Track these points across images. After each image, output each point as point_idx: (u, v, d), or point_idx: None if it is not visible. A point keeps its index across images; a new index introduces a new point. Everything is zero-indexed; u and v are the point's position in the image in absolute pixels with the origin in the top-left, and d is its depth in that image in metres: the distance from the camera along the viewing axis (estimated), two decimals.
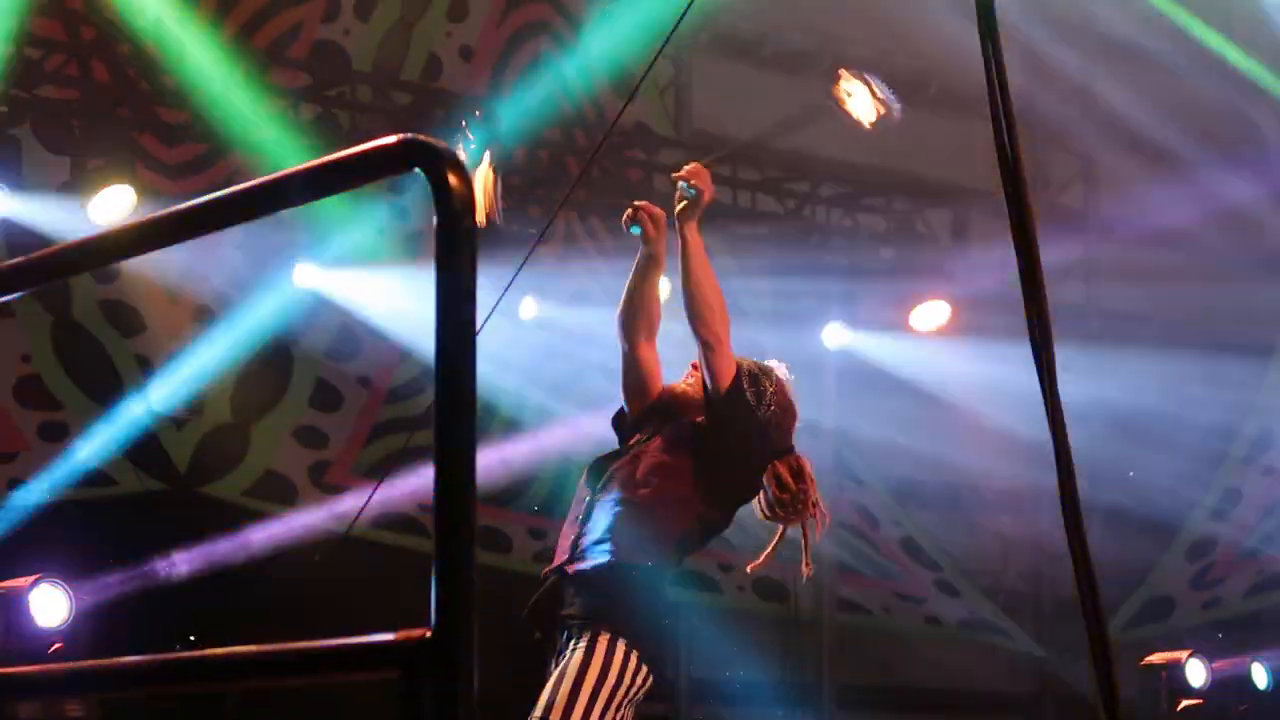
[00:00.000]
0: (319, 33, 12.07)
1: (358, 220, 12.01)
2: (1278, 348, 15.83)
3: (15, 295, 4.08)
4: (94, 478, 11.18)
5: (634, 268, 6.96)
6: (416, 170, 2.75)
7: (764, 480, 7.06)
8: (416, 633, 2.64)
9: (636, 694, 6.53)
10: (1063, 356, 3.90)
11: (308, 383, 11.85)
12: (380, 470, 12.04)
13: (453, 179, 2.70)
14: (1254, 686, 12.27)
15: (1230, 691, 12.08)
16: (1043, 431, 3.85)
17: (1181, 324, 15.00)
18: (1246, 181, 15.04)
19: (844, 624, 13.76)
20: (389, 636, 2.62)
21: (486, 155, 6.60)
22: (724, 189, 13.20)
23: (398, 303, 11.70)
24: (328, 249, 11.82)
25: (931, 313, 13.34)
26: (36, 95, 10.73)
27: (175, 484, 11.25)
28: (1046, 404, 3.87)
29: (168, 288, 11.47)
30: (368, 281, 11.92)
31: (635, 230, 6.78)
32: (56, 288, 10.83)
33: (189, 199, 3.15)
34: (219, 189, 3.03)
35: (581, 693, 6.39)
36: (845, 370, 13.64)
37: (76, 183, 10.62)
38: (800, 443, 13.93)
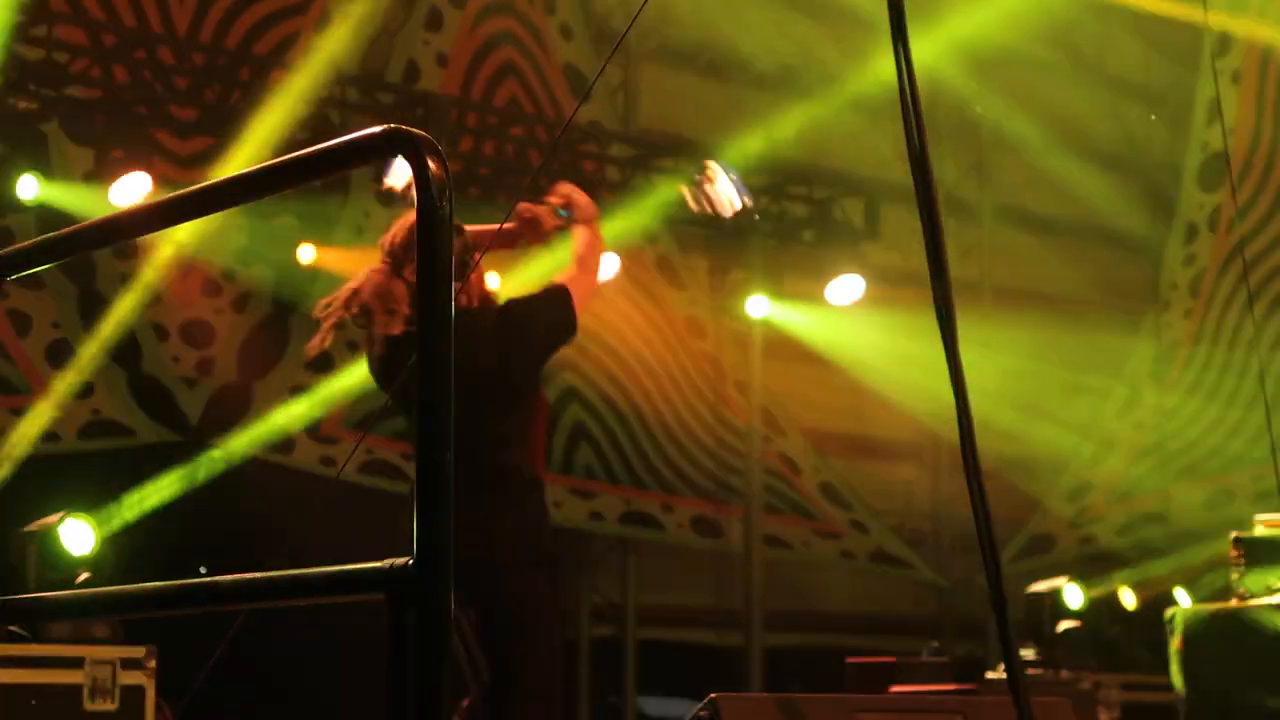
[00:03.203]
0: (311, 42, 12.05)
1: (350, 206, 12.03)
2: (1144, 320, 15.92)
3: (45, 267, 4.06)
4: (115, 429, 11.15)
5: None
6: (400, 157, 2.75)
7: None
8: (400, 561, 2.64)
9: None
10: (961, 326, 3.90)
11: (304, 344, 11.82)
12: (367, 424, 12.04)
13: (431, 164, 2.69)
14: (1123, 609, 12.36)
15: (1103, 613, 12.16)
16: (944, 391, 3.85)
17: (1062, 298, 15.07)
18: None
19: (770, 557, 13.77)
20: (377, 565, 2.62)
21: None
22: (666, 180, 13.20)
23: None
24: (325, 230, 11.83)
25: (846, 287, 13.35)
26: (64, 95, 10.68)
27: (187, 435, 11.21)
28: (950, 367, 3.87)
29: (181, 262, 11.43)
30: (358, 257, 11.90)
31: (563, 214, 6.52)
32: (82, 261, 10.79)
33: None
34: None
35: None
36: (770, 337, 13.66)
37: (99, 171, 10.56)
38: (731, 398, 14.01)
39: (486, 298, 6.49)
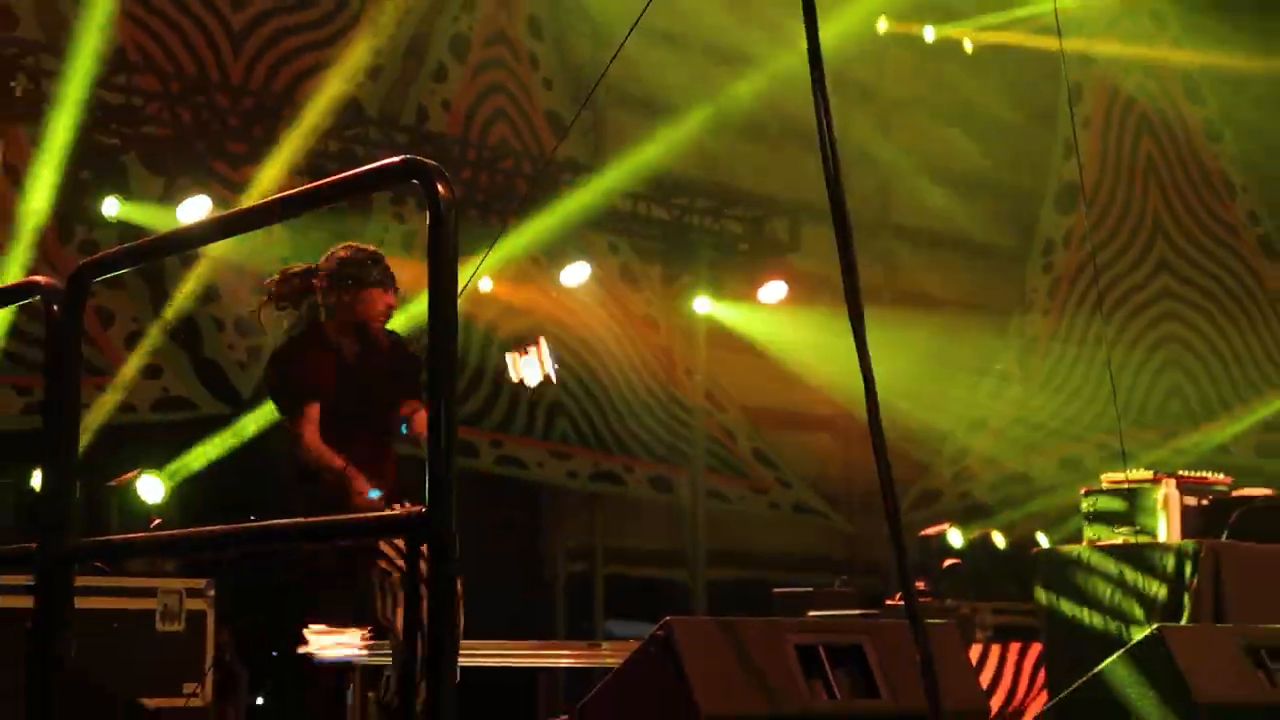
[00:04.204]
0: (341, 90, 12.01)
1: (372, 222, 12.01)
2: (1011, 319, 15.97)
3: (124, 271, 4.05)
4: (180, 403, 11.11)
5: None
6: (415, 181, 2.73)
7: None
8: (416, 508, 2.63)
9: None
10: (867, 323, 3.90)
11: None
12: None
13: (441, 187, 2.67)
14: (994, 549, 12.42)
15: (978, 553, 12.22)
16: (854, 375, 3.85)
17: (946, 301, 15.09)
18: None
19: (711, 508, 13.75)
20: (399, 511, 2.62)
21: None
22: (628, 202, 13.20)
23: (400, 280, 11.63)
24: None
25: (774, 290, 13.36)
26: (140, 132, 10.62)
27: (239, 408, 11.17)
28: (859, 356, 3.87)
29: (235, 267, 11.40)
30: None
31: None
32: (154, 267, 10.74)
33: None
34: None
35: None
36: (712, 330, 13.65)
37: (168, 194, 10.50)
38: (680, 380, 13.95)
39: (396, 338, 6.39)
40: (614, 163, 13.28)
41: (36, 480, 4.92)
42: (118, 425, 10.49)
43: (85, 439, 9.72)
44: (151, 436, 10.53)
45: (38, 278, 3.93)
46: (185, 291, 11.02)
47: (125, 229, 10.28)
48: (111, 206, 10.31)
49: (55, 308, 3.76)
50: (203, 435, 10.74)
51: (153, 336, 10.97)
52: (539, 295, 12.69)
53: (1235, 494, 7.94)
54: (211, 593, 8.44)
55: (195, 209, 10.32)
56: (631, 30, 5.42)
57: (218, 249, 10.60)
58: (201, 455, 10.57)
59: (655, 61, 12.14)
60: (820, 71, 3.96)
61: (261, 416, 11.08)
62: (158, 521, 8.98)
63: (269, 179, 10.80)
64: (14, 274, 9.71)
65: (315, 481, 5.90)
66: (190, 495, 9.75)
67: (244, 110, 11.27)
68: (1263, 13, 15.17)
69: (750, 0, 12.87)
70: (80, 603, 4.28)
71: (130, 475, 9.22)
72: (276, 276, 6.32)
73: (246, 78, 11.68)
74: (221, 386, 11.31)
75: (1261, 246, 16.18)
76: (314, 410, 6.00)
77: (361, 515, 2.78)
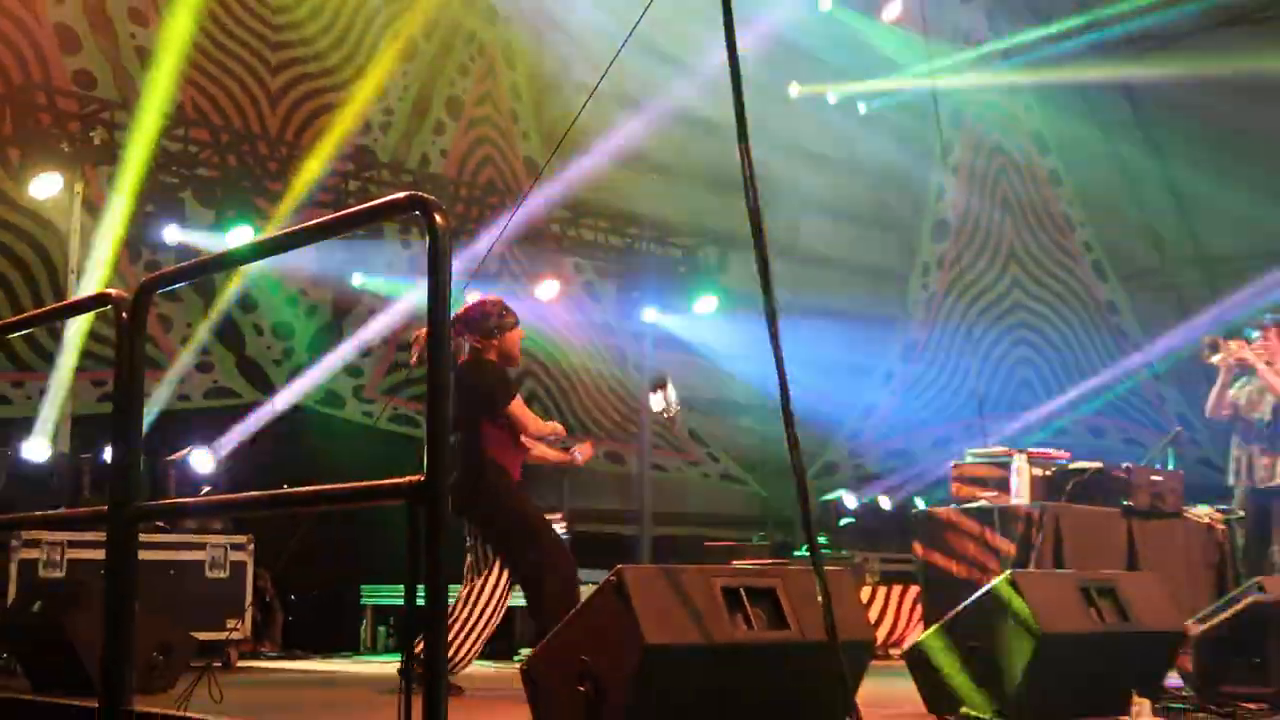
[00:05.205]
0: (359, 141, 11.98)
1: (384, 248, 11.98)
2: (896, 325, 16.03)
3: (181, 285, 4.03)
4: (226, 392, 11.04)
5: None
6: (417, 213, 2.72)
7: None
8: (416, 478, 2.61)
9: None
10: (781, 329, 3.90)
11: (352, 338, 11.74)
12: (394, 389, 11.95)
13: (439, 219, 2.66)
14: (882, 510, 12.46)
15: (869, 513, 12.26)
16: (771, 370, 3.86)
17: (845, 312, 15.13)
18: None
19: (655, 477, 13.75)
20: (401, 480, 2.60)
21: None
22: (588, 232, 13.18)
23: (405, 294, 11.63)
24: (366, 263, 11.79)
25: (706, 304, 13.37)
26: (195, 174, 10.55)
27: (274, 396, 11.12)
28: (774, 355, 3.87)
29: (272, 282, 11.35)
30: (388, 284, 11.86)
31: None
32: (206, 282, 10.69)
33: None
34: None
35: None
36: (657, 335, 13.66)
37: (218, 224, 10.44)
38: (631, 375, 13.87)
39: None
40: (580, 200, 13.29)
41: (108, 455, 4.90)
42: (175, 410, 10.42)
43: (148, 421, 9.66)
44: (203, 420, 10.48)
45: (110, 290, 3.89)
46: (232, 304, 10.99)
47: (182, 251, 10.22)
48: (171, 234, 10.25)
49: (124, 315, 3.73)
50: (245, 419, 10.69)
51: (203, 338, 10.91)
52: (518, 306, 12.64)
53: (1072, 466, 8.00)
54: (252, 546, 8.40)
55: (240, 236, 10.28)
56: (591, 95, 5.41)
57: (257, 267, 10.56)
58: (244, 434, 10.52)
59: (618, 120, 12.13)
60: (744, 128, 3.97)
61: (295, 403, 11.04)
62: (207, 489, 8.92)
63: (299, 211, 10.77)
64: (93, 288, 9.64)
65: (505, 472, 6.03)
66: (235, 467, 9.69)
67: (280, 156, 11.21)
68: (1090, 86, 15.34)
69: (700, 76, 12.85)
70: (143, 555, 4.26)
71: (185, 450, 9.17)
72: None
73: (282, 130, 11.63)
74: (260, 380, 11.25)
75: (1094, 269, 16.32)
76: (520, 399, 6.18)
77: (366, 485, 2.75)
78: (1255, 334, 8.33)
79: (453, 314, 6.41)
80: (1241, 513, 8.20)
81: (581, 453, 6.48)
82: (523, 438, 6.13)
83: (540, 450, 6.33)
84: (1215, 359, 8.26)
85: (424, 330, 6.42)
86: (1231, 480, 8.30)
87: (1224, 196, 14.70)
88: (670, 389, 6.44)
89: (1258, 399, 8.21)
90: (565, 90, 13.01)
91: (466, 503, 5.98)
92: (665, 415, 6.54)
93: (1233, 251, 14.82)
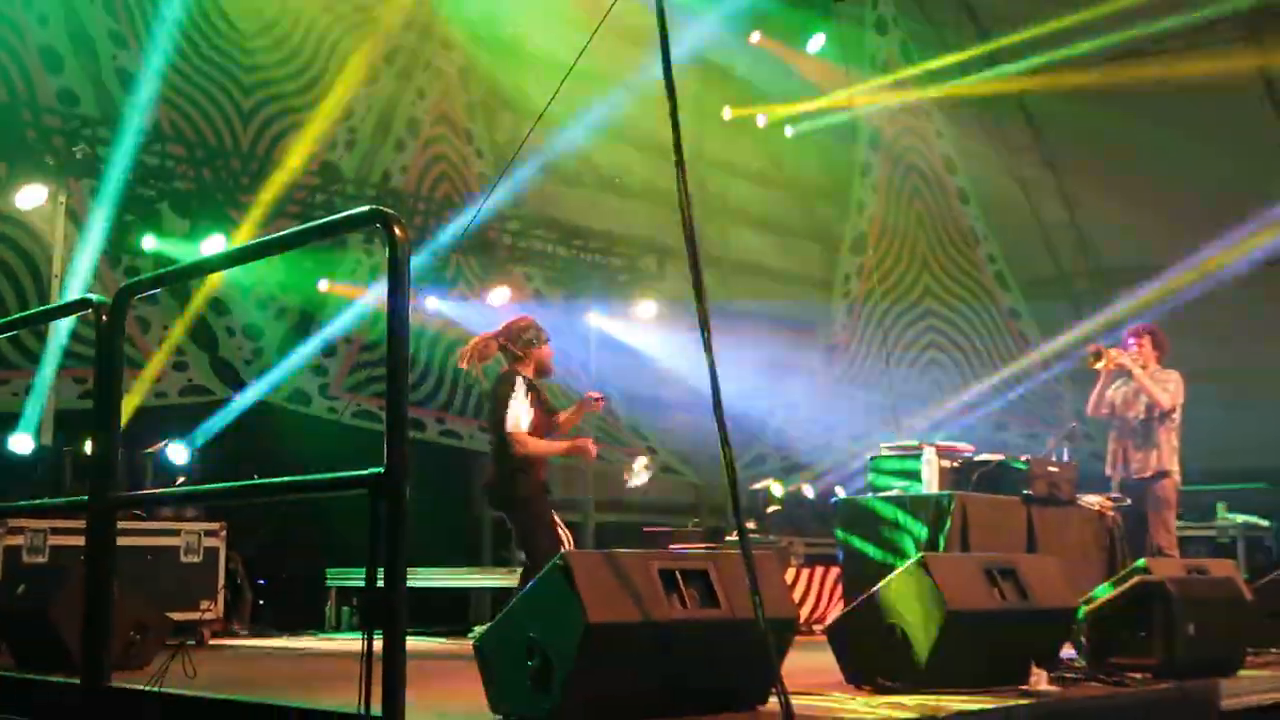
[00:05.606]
0: (325, 157, 11.90)
1: (348, 256, 11.89)
2: (819, 330, 16.08)
3: (158, 290, 3.97)
4: (201, 390, 10.91)
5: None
6: (378, 225, 2.71)
7: None
8: (376, 470, 2.60)
9: None
10: (713, 332, 3.91)
11: (318, 339, 11.64)
12: (357, 387, 11.86)
13: (398, 231, 2.65)
14: (805, 498, 12.49)
15: (794, 501, 12.29)
16: (703, 371, 3.87)
17: (772, 316, 15.18)
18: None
19: (599, 468, 13.71)
20: (363, 472, 2.58)
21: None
22: (538, 243, 13.15)
23: (367, 299, 11.57)
24: (332, 270, 11.70)
25: (645, 309, 13.37)
26: (171, 186, 10.43)
27: (244, 393, 11.00)
28: (706, 356, 3.88)
29: (246, 287, 11.24)
30: (352, 290, 11.78)
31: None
32: (182, 287, 10.57)
33: None
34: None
35: None
36: (600, 337, 13.65)
37: (193, 233, 10.32)
38: (577, 373, 13.87)
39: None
40: (530, 214, 13.26)
41: (89, 448, 4.85)
42: (152, 406, 10.28)
43: (126, 417, 9.53)
44: (178, 415, 10.36)
45: (91, 295, 3.84)
46: (207, 307, 10.87)
47: (159, 259, 10.10)
48: (149, 242, 10.13)
49: (104, 318, 3.69)
50: (217, 414, 10.57)
51: (179, 339, 10.79)
52: (472, 311, 12.62)
53: (976, 458, 8.07)
54: (224, 532, 8.32)
55: (213, 245, 10.17)
56: (541, 114, 5.40)
57: (230, 274, 10.45)
58: (216, 429, 10.41)
59: (564, 139, 12.11)
60: (680, 155, 3.97)
61: (265, 400, 10.92)
62: (181, 479, 8.83)
63: (269, 222, 10.67)
64: (75, 293, 9.52)
65: (533, 473, 6.38)
66: (208, 458, 9.59)
67: (251, 171, 11.11)
68: (996, 113, 15.50)
69: (644, 99, 12.85)
70: (121, 541, 4.21)
71: (161, 444, 9.06)
72: (477, 342, 6.58)
73: (254, 146, 11.52)
74: (232, 378, 11.14)
75: (996, 279, 16.49)
76: None
77: (331, 475, 2.73)
78: (1131, 341, 8.54)
79: (498, 328, 6.69)
80: (1130, 501, 8.33)
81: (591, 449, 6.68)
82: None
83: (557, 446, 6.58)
84: (1099, 365, 8.49)
85: (473, 341, 6.58)
86: (1109, 471, 8.49)
87: (1115, 211, 14.91)
88: (637, 465, 7.13)
89: (1133, 399, 8.45)
90: (516, 111, 12.98)
91: (501, 501, 6.42)
92: (629, 481, 7.06)
93: (1122, 262, 15.03)
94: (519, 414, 6.32)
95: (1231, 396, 13.01)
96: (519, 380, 6.41)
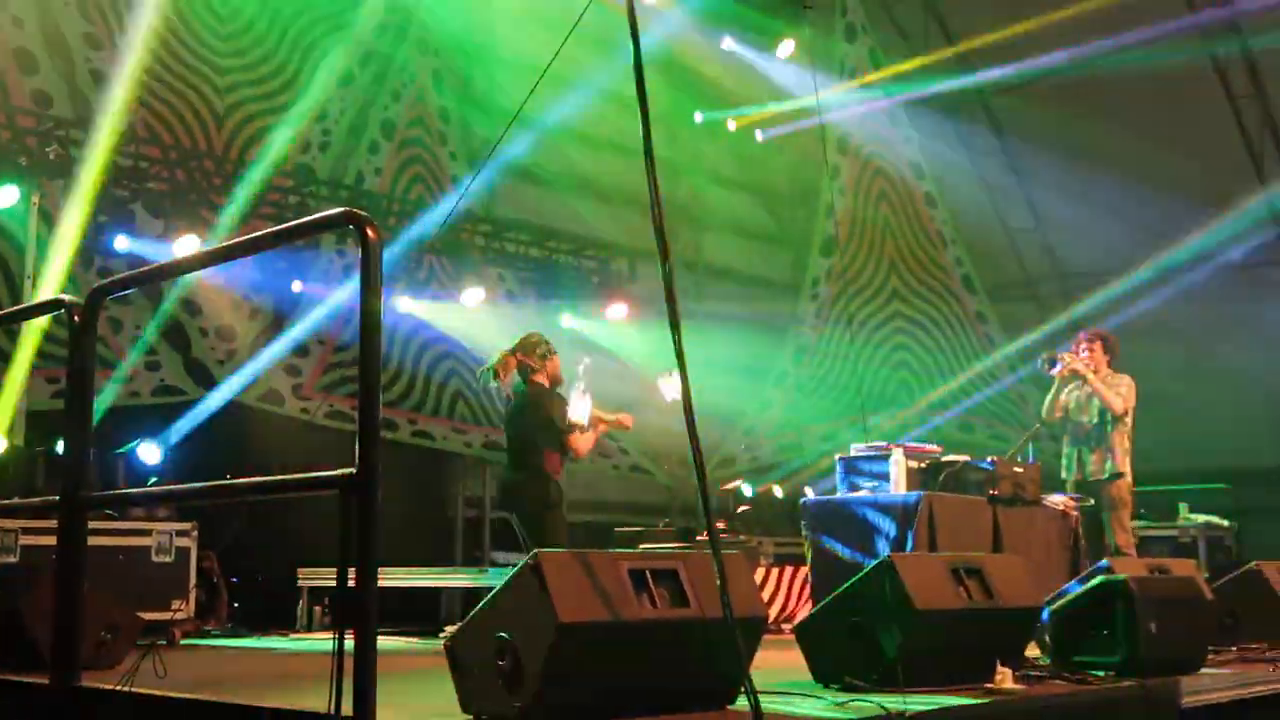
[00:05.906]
0: (300, 159, 11.84)
1: (320, 257, 11.83)
2: (789, 332, 16.14)
3: (131, 290, 3.95)
4: (174, 390, 10.84)
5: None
6: (351, 227, 2.69)
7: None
8: (348, 470, 2.59)
9: None
10: (683, 334, 3.91)
11: (291, 339, 11.59)
12: (329, 388, 11.81)
13: (371, 232, 2.64)
14: (775, 498, 12.51)
15: (763, 501, 12.31)
16: (675, 370, 3.86)
17: (742, 318, 15.19)
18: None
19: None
20: (334, 472, 2.57)
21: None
22: (512, 245, 13.13)
23: (339, 299, 11.52)
24: (305, 271, 11.64)
25: (617, 311, 13.37)
26: (145, 187, 10.36)
27: (217, 393, 10.93)
28: (677, 356, 3.88)
29: (217, 289, 11.17)
30: (326, 290, 11.72)
31: None
32: (154, 288, 10.50)
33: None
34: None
35: None
36: (573, 339, 13.62)
37: (166, 234, 10.26)
38: None
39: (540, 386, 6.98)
40: (501, 216, 13.23)
41: (60, 447, 4.80)
42: (124, 406, 10.21)
43: (98, 417, 9.46)
44: (151, 415, 10.29)
45: (63, 295, 3.81)
46: (179, 309, 10.80)
47: (132, 259, 10.03)
48: (122, 242, 10.06)
49: (76, 318, 3.65)
50: (190, 414, 10.51)
51: (151, 339, 10.72)
52: (445, 312, 12.59)
53: (943, 459, 8.10)
54: (195, 533, 8.26)
55: (186, 245, 10.11)
56: (515, 117, 5.39)
57: (204, 274, 10.39)
58: (189, 428, 10.34)
59: (534, 144, 12.09)
60: (651, 158, 3.97)
61: (238, 400, 10.85)
62: (154, 479, 8.77)
63: (243, 223, 10.61)
64: (48, 293, 9.44)
65: (548, 482, 6.78)
66: (179, 458, 9.53)
67: (225, 172, 11.05)
68: (962, 118, 15.57)
69: (622, 100, 12.84)
70: (93, 541, 4.17)
71: (133, 444, 9.00)
72: (501, 358, 7.00)
73: (228, 148, 11.45)
74: (205, 379, 11.07)
75: (963, 282, 16.56)
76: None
77: (303, 475, 2.72)
78: (1084, 346, 8.64)
79: (513, 344, 6.88)
80: (1092, 501, 8.40)
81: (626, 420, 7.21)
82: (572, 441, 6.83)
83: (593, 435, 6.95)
84: (1054, 371, 8.59)
85: (494, 360, 6.69)
86: (1064, 474, 8.57)
87: (1078, 216, 15.01)
88: (579, 394, 7.05)
89: (1086, 404, 8.55)
90: (490, 113, 12.95)
91: (529, 510, 6.76)
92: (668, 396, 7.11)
93: (1087, 266, 15.13)
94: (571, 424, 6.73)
95: (1192, 398, 13.12)
96: (556, 395, 6.84)
